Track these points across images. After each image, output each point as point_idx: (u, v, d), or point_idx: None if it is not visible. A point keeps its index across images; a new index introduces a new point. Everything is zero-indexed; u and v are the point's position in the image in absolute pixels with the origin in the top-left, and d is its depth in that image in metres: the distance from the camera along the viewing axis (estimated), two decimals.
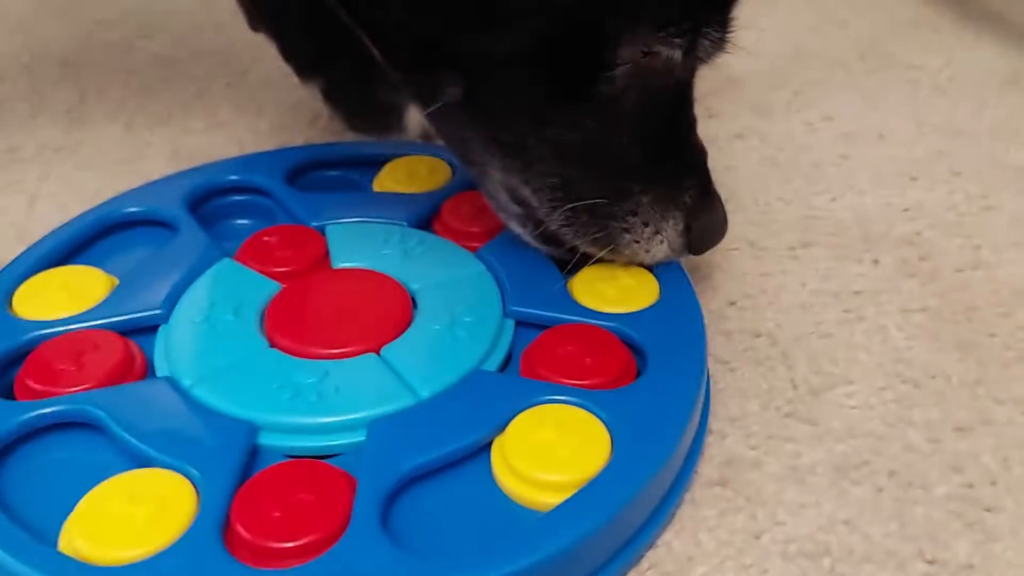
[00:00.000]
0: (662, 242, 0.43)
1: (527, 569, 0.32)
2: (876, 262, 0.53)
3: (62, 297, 0.42)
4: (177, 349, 0.40)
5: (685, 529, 0.37)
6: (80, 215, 0.48)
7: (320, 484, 0.34)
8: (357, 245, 0.47)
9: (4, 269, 0.44)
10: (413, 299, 0.43)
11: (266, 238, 0.47)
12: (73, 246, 0.46)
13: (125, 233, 0.48)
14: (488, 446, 0.36)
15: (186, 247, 0.46)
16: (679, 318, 0.42)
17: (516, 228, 0.45)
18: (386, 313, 0.42)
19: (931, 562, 0.36)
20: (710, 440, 0.41)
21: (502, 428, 0.36)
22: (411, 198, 0.50)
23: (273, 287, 0.43)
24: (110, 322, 0.41)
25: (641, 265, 0.44)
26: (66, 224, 0.47)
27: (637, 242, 0.43)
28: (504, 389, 0.38)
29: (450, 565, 0.31)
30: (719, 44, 0.42)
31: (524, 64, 0.39)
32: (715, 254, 0.52)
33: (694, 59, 0.42)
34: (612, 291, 0.43)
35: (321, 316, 0.42)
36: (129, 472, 0.34)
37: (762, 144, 0.64)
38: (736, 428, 0.42)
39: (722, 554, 0.36)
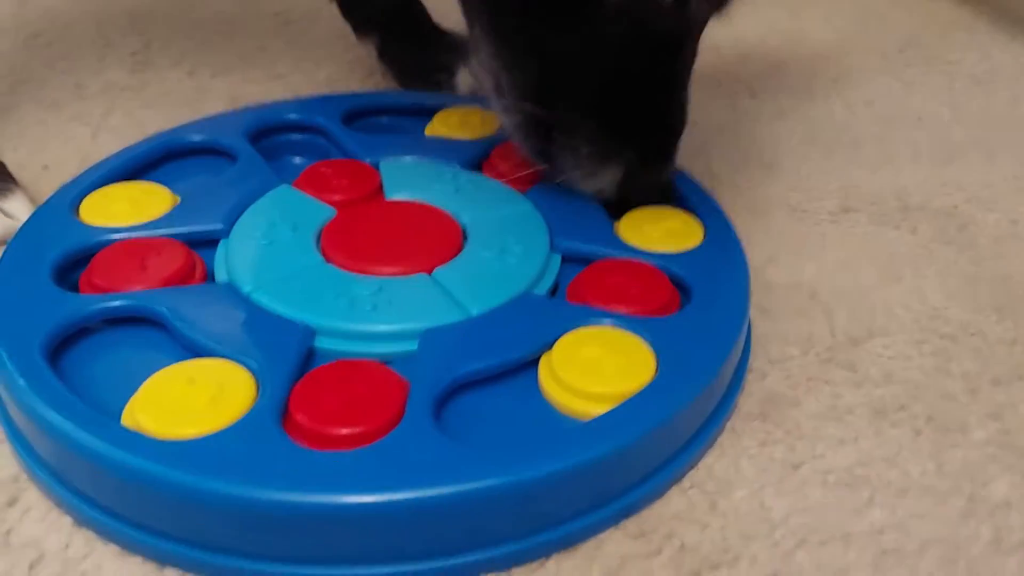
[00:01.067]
0: (596, 182, 0.44)
1: (570, 470, 0.32)
2: (914, 230, 0.53)
3: (127, 208, 0.44)
4: (237, 259, 0.41)
5: (726, 455, 0.38)
6: (145, 139, 0.50)
7: (375, 381, 0.35)
8: (410, 180, 0.48)
9: (72, 181, 0.46)
10: (463, 230, 0.44)
11: (323, 169, 0.48)
12: (138, 166, 0.48)
13: (187, 159, 0.50)
14: (535, 363, 0.37)
15: (246, 173, 0.47)
16: (723, 258, 0.43)
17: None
18: (438, 240, 0.43)
19: (969, 499, 0.36)
20: (750, 378, 0.42)
21: (549, 346, 0.37)
22: (462, 143, 0.52)
23: (329, 212, 0.45)
24: (172, 232, 0.42)
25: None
26: (132, 146, 0.49)
27: (576, 170, 0.44)
28: (552, 311, 0.39)
29: (496, 460, 0.32)
30: (714, 4, 0.42)
31: None
32: (755, 215, 0.54)
33: (687, 14, 0.42)
34: (657, 232, 0.44)
35: (375, 238, 0.43)
36: (190, 360, 0.35)
37: (803, 123, 0.65)
38: (776, 369, 0.42)
39: (762, 480, 0.37)
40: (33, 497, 0.35)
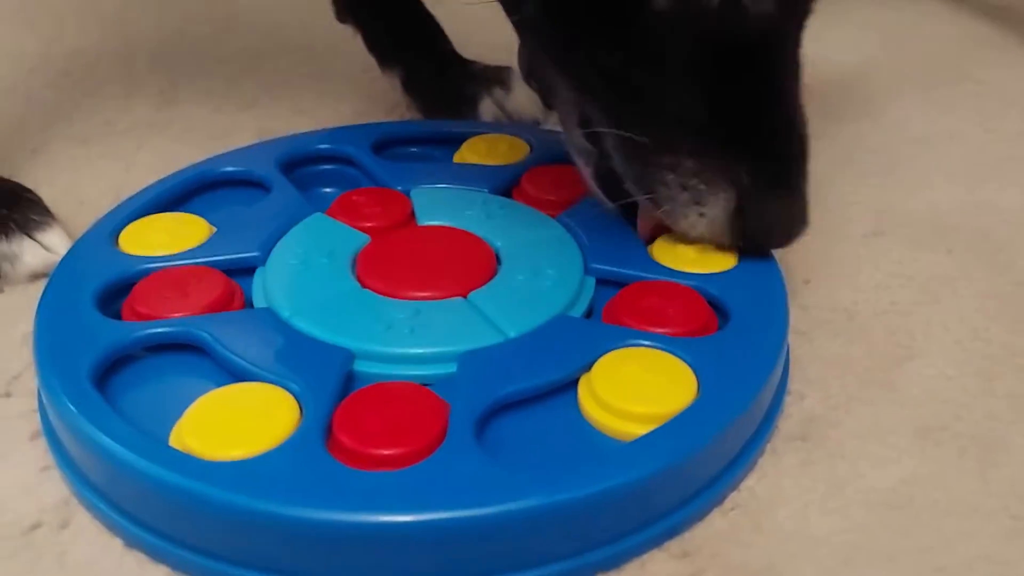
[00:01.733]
0: (701, 215, 0.40)
1: (613, 490, 0.32)
2: (950, 251, 0.53)
3: (165, 238, 0.44)
4: (275, 286, 0.41)
5: (767, 476, 0.37)
6: (180, 171, 0.50)
7: (416, 402, 0.35)
8: (441, 207, 0.48)
9: (110, 212, 0.47)
10: (497, 254, 0.45)
11: (355, 197, 0.49)
12: (174, 197, 0.49)
13: (221, 189, 0.50)
14: (574, 384, 0.37)
15: (280, 202, 0.48)
16: (760, 279, 0.43)
17: (581, 166, 0.44)
18: (472, 264, 0.43)
19: (1016, 517, 0.36)
20: (789, 400, 0.41)
21: (588, 367, 0.37)
22: (491, 169, 0.52)
23: (363, 238, 0.45)
24: (211, 260, 0.43)
25: (685, 234, 0.42)
26: (167, 177, 0.50)
27: (674, 202, 0.39)
28: (590, 333, 0.39)
29: (539, 480, 0.32)
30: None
31: None
32: None
33: (743, 10, 0.36)
34: (692, 253, 0.44)
35: (410, 263, 0.43)
36: (235, 384, 0.36)
37: (834, 144, 0.65)
38: (815, 390, 0.42)
39: (804, 499, 0.36)
40: (84, 520, 0.35)
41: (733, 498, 0.36)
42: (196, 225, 0.46)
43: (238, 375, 0.37)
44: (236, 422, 0.33)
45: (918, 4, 0.91)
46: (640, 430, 0.34)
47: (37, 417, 0.39)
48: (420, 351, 0.38)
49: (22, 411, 0.40)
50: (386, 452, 0.32)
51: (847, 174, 0.61)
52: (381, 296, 0.41)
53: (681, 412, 0.35)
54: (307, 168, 0.53)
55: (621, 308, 0.41)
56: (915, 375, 0.43)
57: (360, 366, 0.37)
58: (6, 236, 0.47)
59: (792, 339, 0.45)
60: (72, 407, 0.34)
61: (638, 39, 0.37)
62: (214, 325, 0.38)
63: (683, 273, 0.43)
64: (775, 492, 0.37)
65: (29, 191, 0.51)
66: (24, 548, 0.34)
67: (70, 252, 0.44)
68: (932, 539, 0.35)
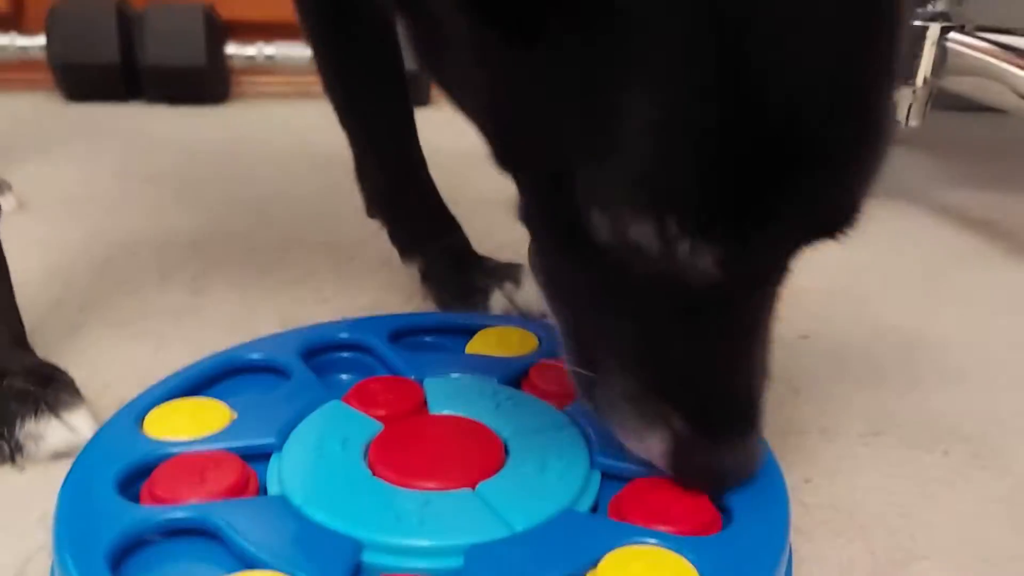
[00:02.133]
0: (643, 448, 0.41)
1: None
2: (946, 453, 0.54)
3: (187, 422, 0.46)
4: (289, 472, 0.43)
5: None
6: (206, 357, 0.53)
7: None
8: (452, 396, 0.50)
9: (138, 396, 0.49)
10: (505, 445, 0.46)
11: (371, 385, 0.51)
12: (199, 382, 0.51)
13: (245, 375, 0.53)
14: None
15: (299, 389, 0.50)
16: (761, 478, 0.44)
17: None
18: (480, 454, 0.45)
19: None
20: None
21: (594, 564, 0.38)
22: (502, 360, 0.54)
23: (376, 426, 0.47)
24: (229, 445, 0.44)
25: None
26: (193, 364, 0.52)
27: (621, 428, 0.41)
28: (596, 528, 0.40)
29: None
30: (714, 251, 0.34)
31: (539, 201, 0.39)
32: (786, 436, 0.55)
33: (682, 266, 0.35)
34: None
35: (421, 452, 0.45)
36: (244, 572, 0.36)
37: (827, 346, 0.68)
38: None
39: None
40: None
41: None
42: (218, 410, 0.48)
43: (249, 563, 0.37)
44: None
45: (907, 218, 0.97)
46: None
47: None
48: (428, 544, 0.38)
49: None
50: None
51: (842, 374, 0.63)
52: (392, 485, 0.42)
53: None
54: (326, 356, 0.56)
55: (628, 504, 0.41)
56: None
57: (368, 557, 0.38)
58: (35, 415, 0.49)
59: (793, 538, 0.45)
60: None
61: (589, 267, 0.38)
62: (229, 512, 0.39)
63: None
64: None
65: (61, 371, 0.54)
66: None
67: (98, 434, 0.46)
68: None
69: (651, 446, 0.40)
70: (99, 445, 0.45)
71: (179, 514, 0.39)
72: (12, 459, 0.49)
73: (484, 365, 0.54)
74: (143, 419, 0.47)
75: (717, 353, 0.39)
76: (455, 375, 0.52)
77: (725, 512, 0.42)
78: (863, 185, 0.35)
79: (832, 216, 0.36)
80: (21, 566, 0.42)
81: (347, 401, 0.49)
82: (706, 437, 0.39)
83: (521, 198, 0.41)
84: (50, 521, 0.39)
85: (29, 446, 0.49)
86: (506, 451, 0.46)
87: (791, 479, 0.50)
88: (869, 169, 0.35)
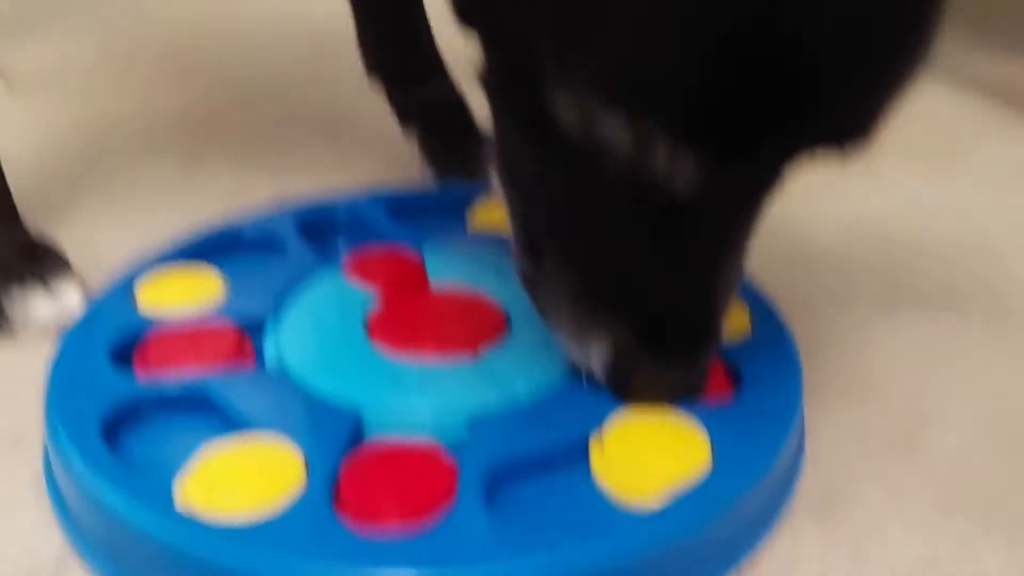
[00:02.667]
0: (584, 355, 0.37)
1: (625, 561, 0.32)
2: (963, 317, 0.52)
3: (181, 293, 0.45)
4: (286, 343, 0.41)
5: (783, 548, 0.36)
6: (198, 229, 0.51)
7: (424, 464, 0.34)
8: (452, 266, 0.48)
9: (129, 268, 0.47)
10: (507, 314, 0.44)
11: (368, 255, 0.49)
12: (193, 254, 0.49)
13: (238, 247, 0.51)
14: (587, 447, 0.37)
15: (294, 261, 0.48)
16: (772, 345, 0.43)
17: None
18: (481, 323, 0.43)
19: None
20: (805, 469, 0.40)
21: (600, 431, 0.37)
22: (502, 231, 0.52)
23: (375, 296, 0.45)
24: (224, 316, 0.43)
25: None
26: (185, 235, 0.50)
27: (563, 335, 0.37)
28: (602, 396, 0.39)
29: (548, 546, 0.31)
30: (697, 157, 0.29)
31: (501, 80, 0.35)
32: (795, 304, 0.53)
33: (653, 160, 0.30)
34: None
35: (420, 322, 0.43)
36: (241, 440, 0.35)
37: (836, 213, 0.65)
38: (833, 460, 0.41)
39: (823, 574, 0.35)
40: None
41: (748, 570, 0.35)
42: (212, 282, 0.46)
43: (245, 432, 0.36)
44: (240, 480, 0.33)
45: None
46: (653, 497, 0.34)
47: (41, 472, 0.39)
48: (429, 412, 0.37)
49: (27, 463, 0.40)
50: (393, 514, 0.32)
51: (855, 241, 0.61)
52: (391, 355, 0.41)
53: (696, 481, 0.34)
54: (323, 228, 0.54)
55: None
56: (935, 443, 0.42)
57: (369, 426, 0.37)
58: (22, 286, 0.48)
59: (806, 406, 0.44)
60: (78, 459, 0.34)
61: (547, 153, 0.33)
62: (226, 382, 0.38)
63: None
64: (792, 565, 0.36)
65: (50, 244, 0.52)
66: None
67: (88, 305, 0.45)
68: None
69: (589, 354, 0.36)
70: (91, 316, 0.43)
71: (174, 385, 0.38)
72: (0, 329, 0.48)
73: (485, 235, 0.52)
74: (135, 290, 0.45)
75: (678, 265, 0.34)
76: (455, 245, 0.51)
77: (735, 379, 0.41)
78: (882, 99, 0.30)
79: (840, 128, 0.31)
80: (14, 440, 0.41)
81: (345, 272, 0.48)
82: (648, 353, 0.35)
83: (482, 62, 0.36)
84: (43, 394, 0.38)
85: (16, 317, 0.47)
86: (508, 320, 0.44)
87: (802, 347, 0.49)
88: (892, 83, 0.30)
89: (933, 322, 0.52)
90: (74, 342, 0.41)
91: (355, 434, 0.36)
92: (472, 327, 0.43)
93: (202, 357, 0.40)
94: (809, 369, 0.46)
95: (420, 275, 0.48)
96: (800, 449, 0.40)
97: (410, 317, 0.43)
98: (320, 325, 0.43)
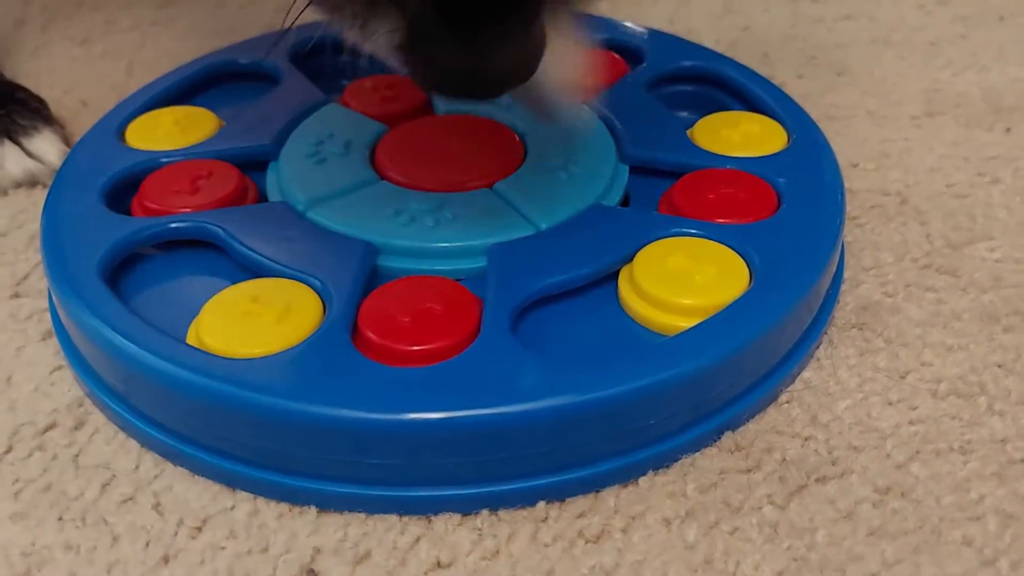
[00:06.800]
0: (367, 40, 0.30)
1: (656, 386, 0.30)
2: (1008, 130, 0.49)
3: (173, 132, 0.42)
4: (290, 179, 0.39)
5: (823, 367, 0.35)
6: (186, 64, 0.47)
7: (446, 297, 0.32)
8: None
9: (116, 107, 0.44)
10: (523, 142, 0.41)
11: (369, 84, 0.45)
12: (180, 91, 0.45)
13: (229, 82, 0.47)
14: (614, 276, 0.35)
15: (291, 93, 0.45)
16: (811, 161, 0.40)
17: None
18: (496, 153, 0.40)
19: None
20: (844, 288, 0.39)
21: (629, 258, 0.35)
22: None
23: (380, 127, 0.42)
24: (221, 153, 0.40)
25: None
26: (173, 71, 0.46)
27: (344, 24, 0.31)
28: (628, 222, 0.36)
29: (579, 376, 0.30)
30: None
31: None
32: (831, 121, 0.50)
33: None
34: (737, 136, 0.41)
35: (431, 153, 0.40)
36: (252, 280, 0.33)
37: (872, 24, 0.61)
38: (871, 277, 0.39)
39: (865, 390, 0.34)
40: (99, 420, 0.33)
41: (789, 392, 0.34)
42: (205, 118, 0.43)
43: (255, 271, 0.34)
44: (256, 319, 0.31)
45: None
46: (683, 324, 0.32)
47: (48, 317, 0.37)
48: (447, 244, 0.35)
49: (33, 311, 0.38)
50: (417, 348, 0.30)
51: (889, 54, 0.57)
52: (402, 188, 0.38)
53: (732, 302, 0.32)
54: (319, 57, 0.50)
55: (679, 197, 0.38)
56: (978, 259, 0.40)
57: (384, 261, 0.35)
58: None
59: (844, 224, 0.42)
60: (82, 305, 0.32)
61: None
62: (228, 220, 0.36)
63: (730, 158, 0.40)
64: (832, 384, 0.34)
65: (25, 91, 0.48)
66: (38, 449, 0.32)
67: (76, 149, 0.41)
68: (1008, 429, 0.32)
69: (377, 36, 0.30)
70: (80, 159, 0.40)
71: (174, 223, 0.36)
72: None
73: None
74: (124, 131, 0.42)
75: None
76: None
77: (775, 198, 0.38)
78: None
79: None
80: (14, 287, 0.39)
81: (345, 103, 0.44)
82: (450, 24, 0.27)
83: None
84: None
85: None
86: (524, 148, 0.41)
87: (839, 165, 0.46)
88: None
89: (978, 135, 0.48)
90: (64, 187, 0.38)
91: (371, 268, 0.34)
92: (486, 157, 0.40)
93: (201, 195, 0.37)
94: (847, 184, 0.44)
95: (425, 105, 0.44)
96: (840, 269, 0.38)
97: (419, 149, 0.40)
98: (324, 159, 0.40)
